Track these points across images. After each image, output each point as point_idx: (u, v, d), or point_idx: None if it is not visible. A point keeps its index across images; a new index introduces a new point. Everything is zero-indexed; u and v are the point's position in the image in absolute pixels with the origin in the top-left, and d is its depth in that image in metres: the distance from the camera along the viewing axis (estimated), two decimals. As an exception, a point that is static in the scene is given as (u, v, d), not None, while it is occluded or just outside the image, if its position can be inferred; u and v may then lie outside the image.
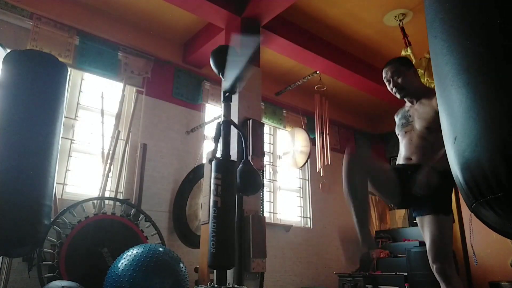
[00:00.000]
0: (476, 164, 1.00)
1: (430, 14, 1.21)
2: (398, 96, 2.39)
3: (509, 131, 0.95)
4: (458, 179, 1.10)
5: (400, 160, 2.34)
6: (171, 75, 4.61)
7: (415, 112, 2.32)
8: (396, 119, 2.48)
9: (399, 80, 2.32)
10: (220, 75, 2.29)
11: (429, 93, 2.30)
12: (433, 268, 2.06)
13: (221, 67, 2.17)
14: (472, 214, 1.14)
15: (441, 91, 1.15)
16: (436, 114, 2.15)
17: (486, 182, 0.98)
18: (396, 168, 2.30)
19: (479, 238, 5.06)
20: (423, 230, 2.19)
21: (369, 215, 2.04)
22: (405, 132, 2.32)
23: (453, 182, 2.10)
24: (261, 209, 3.37)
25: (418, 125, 2.26)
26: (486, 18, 1.01)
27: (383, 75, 2.41)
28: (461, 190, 1.11)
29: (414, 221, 5.16)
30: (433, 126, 2.17)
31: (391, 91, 2.42)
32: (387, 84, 2.42)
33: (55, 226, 3.08)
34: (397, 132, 2.43)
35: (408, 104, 2.43)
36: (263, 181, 3.37)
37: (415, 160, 2.22)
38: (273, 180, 5.36)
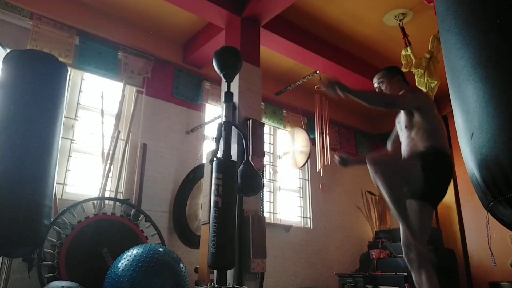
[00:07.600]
0: (494, 161, 0.95)
1: (442, 8, 1.17)
2: None
3: None
4: (474, 177, 1.06)
5: None
6: (171, 75, 4.61)
7: (400, 116, 2.54)
8: (396, 122, 2.67)
9: (383, 87, 2.54)
10: (222, 76, 2.31)
11: None
12: (403, 250, 2.10)
13: (224, 67, 2.19)
14: (489, 213, 1.10)
15: (455, 86, 1.11)
16: (407, 113, 2.40)
17: (506, 179, 0.93)
18: None
19: (479, 238, 5.05)
20: None
21: None
22: (401, 135, 2.52)
23: (432, 174, 2.16)
24: (261, 209, 3.37)
25: (403, 126, 2.46)
26: (502, 9, 0.96)
27: (374, 84, 2.62)
28: (477, 189, 1.06)
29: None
30: (408, 124, 2.39)
31: None
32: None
33: (55, 226, 3.08)
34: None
35: None
36: (263, 181, 3.37)
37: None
38: (273, 180, 5.35)
